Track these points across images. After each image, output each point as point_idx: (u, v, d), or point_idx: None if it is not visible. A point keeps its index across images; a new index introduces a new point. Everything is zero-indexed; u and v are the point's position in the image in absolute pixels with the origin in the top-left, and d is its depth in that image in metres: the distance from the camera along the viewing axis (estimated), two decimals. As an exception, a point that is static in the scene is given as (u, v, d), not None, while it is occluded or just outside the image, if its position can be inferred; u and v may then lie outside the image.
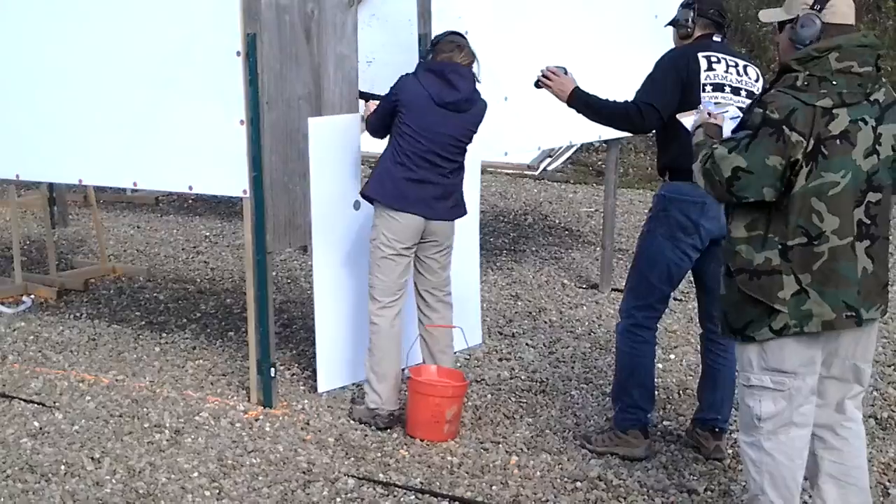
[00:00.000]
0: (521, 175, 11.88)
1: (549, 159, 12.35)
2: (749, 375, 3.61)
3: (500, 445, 4.81)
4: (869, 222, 3.46)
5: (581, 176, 12.07)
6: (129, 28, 5.23)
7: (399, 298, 5.05)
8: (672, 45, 4.86)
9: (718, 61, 4.58)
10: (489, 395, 5.39)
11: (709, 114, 3.82)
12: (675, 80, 4.55)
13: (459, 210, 5.15)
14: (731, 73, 4.58)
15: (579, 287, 7.46)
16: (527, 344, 6.17)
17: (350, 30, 5.36)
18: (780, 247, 3.46)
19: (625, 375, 4.76)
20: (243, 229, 5.17)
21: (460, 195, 5.15)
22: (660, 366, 5.80)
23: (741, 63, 4.64)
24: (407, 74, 4.97)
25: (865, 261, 3.47)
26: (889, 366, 5.78)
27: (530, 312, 6.82)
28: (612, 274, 7.45)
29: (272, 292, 5.22)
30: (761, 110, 3.44)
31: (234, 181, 5.06)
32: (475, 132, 5.12)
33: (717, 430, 4.77)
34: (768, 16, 3.77)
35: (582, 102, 4.76)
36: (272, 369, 5.19)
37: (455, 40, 4.99)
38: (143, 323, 6.59)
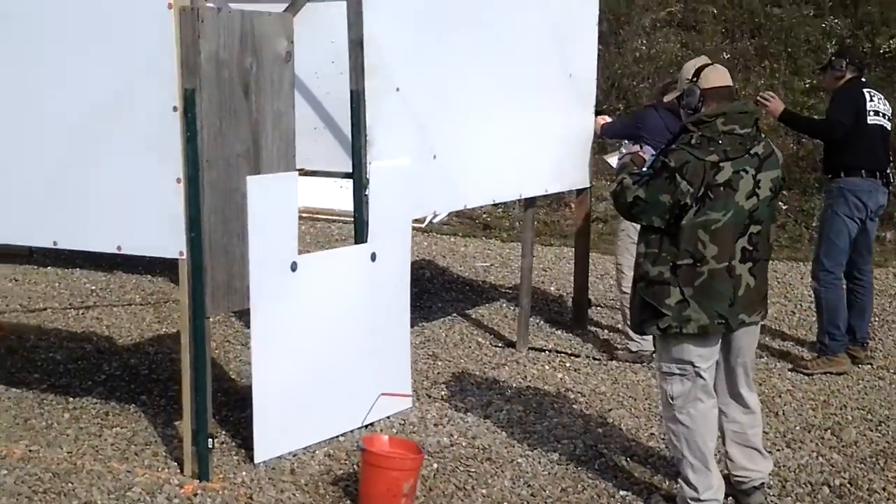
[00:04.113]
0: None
1: (434, 213, 12.28)
2: (661, 364, 4.66)
3: (460, 519, 4.62)
4: (752, 248, 4.48)
5: (468, 229, 12.00)
6: (56, 78, 4.88)
7: None
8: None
9: (872, 97, 6.86)
10: (435, 465, 5.17)
11: (640, 146, 5.28)
12: (853, 106, 6.76)
13: None
14: (880, 104, 6.88)
15: (495, 346, 7.33)
16: (459, 408, 5.99)
17: (287, 86, 5.11)
18: (671, 264, 4.44)
19: (832, 315, 6.81)
20: (180, 292, 4.83)
21: None
22: (601, 429, 5.71)
23: (879, 95, 6.96)
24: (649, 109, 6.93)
25: (749, 278, 4.48)
26: (826, 430, 5.83)
27: (453, 374, 6.64)
28: (528, 332, 7.35)
29: (210, 359, 4.90)
30: (664, 158, 4.45)
31: (169, 242, 4.75)
32: None
33: (864, 344, 7.05)
34: (670, 96, 4.90)
35: (788, 117, 7.07)
36: (210, 440, 4.87)
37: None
38: (45, 386, 6.15)
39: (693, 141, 4.45)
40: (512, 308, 8.31)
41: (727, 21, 14.65)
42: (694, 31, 14.67)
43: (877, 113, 6.83)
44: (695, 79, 4.60)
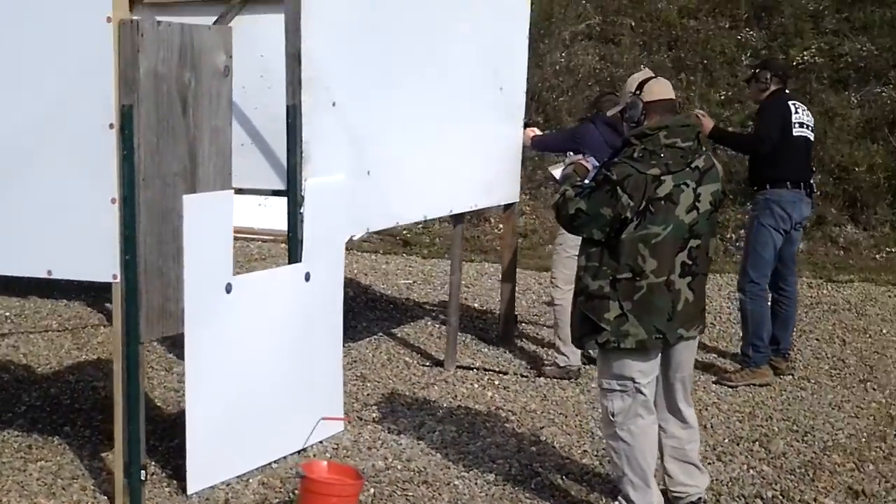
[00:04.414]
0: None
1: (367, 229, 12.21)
2: (602, 380, 4.66)
3: (400, 545, 4.58)
4: (691, 263, 4.49)
5: (388, 246, 11.96)
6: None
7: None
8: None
9: (797, 109, 7.00)
10: (371, 489, 5.12)
11: (582, 154, 5.19)
12: (779, 120, 6.89)
13: None
14: (804, 115, 7.04)
15: (423, 365, 7.31)
16: (391, 430, 5.95)
17: (225, 101, 5.02)
18: (611, 278, 4.44)
19: (757, 327, 6.95)
20: (113, 317, 4.72)
21: None
22: (538, 446, 5.73)
23: (803, 107, 7.12)
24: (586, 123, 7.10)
25: (687, 292, 4.49)
26: (754, 441, 5.92)
27: (383, 395, 6.60)
28: (456, 350, 7.33)
29: (144, 387, 4.79)
30: (606, 171, 4.45)
31: (102, 265, 4.62)
32: None
33: (785, 355, 7.23)
34: (613, 110, 4.94)
35: (717, 133, 7.28)
36: (143, 472, 4.76)
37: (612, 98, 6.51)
38: (-37, 418, 5.96)
39: (635, 154, 4.45)
40: (437, 326, 8.30)
41: (644, 34, 14.84)
42: (612, 44, 14.83)
43: (801, 125, 6.99)
44: (638, 91, 4.61)
